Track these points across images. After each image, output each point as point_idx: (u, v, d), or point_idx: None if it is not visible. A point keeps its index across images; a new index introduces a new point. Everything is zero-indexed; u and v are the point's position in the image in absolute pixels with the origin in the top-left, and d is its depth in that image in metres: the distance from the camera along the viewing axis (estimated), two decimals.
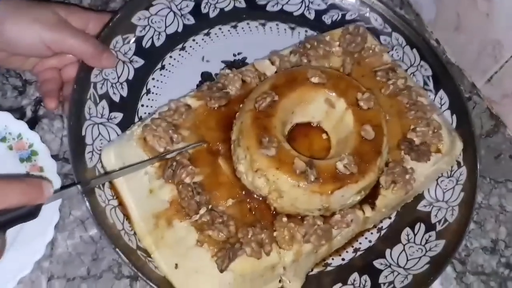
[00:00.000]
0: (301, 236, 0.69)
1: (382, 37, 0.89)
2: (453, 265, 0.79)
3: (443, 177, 0.81)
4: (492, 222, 0.83)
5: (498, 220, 0.84)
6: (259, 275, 0.68)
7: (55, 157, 0.76)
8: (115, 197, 0.72)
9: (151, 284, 0.66)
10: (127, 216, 0.71)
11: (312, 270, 0.74)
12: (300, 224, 0.69)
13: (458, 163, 0.81)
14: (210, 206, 0.68)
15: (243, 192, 0.71)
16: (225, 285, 0.66)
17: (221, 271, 0.65)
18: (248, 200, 0.70)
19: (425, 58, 0.88)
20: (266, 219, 0.70)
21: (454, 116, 0.84)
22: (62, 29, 0.73)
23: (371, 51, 0.83)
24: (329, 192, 0.68)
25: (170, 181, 0.69)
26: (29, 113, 0.79)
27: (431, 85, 0.87)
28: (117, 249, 0.67)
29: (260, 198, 0.70)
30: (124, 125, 0.77)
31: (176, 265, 0.67)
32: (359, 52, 0.83)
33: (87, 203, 0.68)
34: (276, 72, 0.79)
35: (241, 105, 0.75)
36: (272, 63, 0.80)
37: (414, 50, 0.88)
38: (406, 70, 0.87)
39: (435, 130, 0.78)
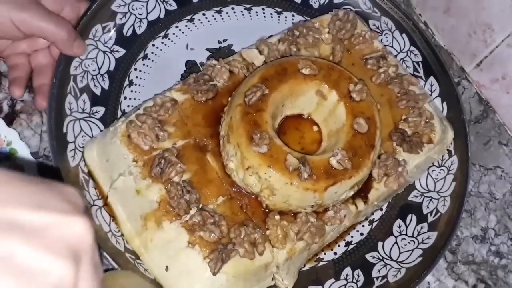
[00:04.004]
0: (294, 234, 0.67)
1: (371, 22, 0.87)
2: (444, 255, 0.79)
3: (433, 167, 0.80)
4: (482, 210, 0.83)
5: (488, 208, 0.83)
6: (252, 274, 0.66)
7: (34, 154, 0.72)
8: (100, 197, 0.69)
9: None
10: (113, 217, 0.68)
11: (304, 266, 0.73)
12: (293, 221, 0.68)
13: (449, 152, 0.80)
14: (200, 206, 0.66)
15: (234, 189, 0.69)
16: (218, 287, 0.64)
17: (214, 274, 0.63)
18: (239, 197, 0.68)
19: (415, 44, 0.86)
20: (257, 217, 0.68)
21: (445, 104, 0.83)
22: (32, 9, 0.68)
23: (361, 37, 0.80)
24: (323, 189, 0.66)
25: (157, 180, 0.67)
26: (5, 108, 0.75)
27: (421, 71, 0.85)
28: (105, 253, 0.64)
29: (252, 195, 0.68)
30: (107, 120, 0.74)
31: (167, 267, 0.65)
32: (349, 39, 0.80)
33: None
34: (264, 61, 0.76)
35: (229, 98, 0.72)
36: (260, 52, 0.77)
37: (404, 35, 0.86)
38: (395, 56, 0.84)
39: (427, 120, 0.76)
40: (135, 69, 0.79)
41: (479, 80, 0.91)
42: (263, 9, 0.86)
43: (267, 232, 0.67)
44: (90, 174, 0.70)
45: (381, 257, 0.74)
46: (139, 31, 0.80)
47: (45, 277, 0.32)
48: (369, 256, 0.75)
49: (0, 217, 0.33)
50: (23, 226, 0.33)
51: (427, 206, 0.78)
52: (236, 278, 0.65)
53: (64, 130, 0.70)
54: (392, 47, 0.86)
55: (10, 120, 0.74)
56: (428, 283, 0.77)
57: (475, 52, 0.89)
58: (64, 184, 0.38)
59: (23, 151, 0.70)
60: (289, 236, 0.67)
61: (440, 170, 0.80)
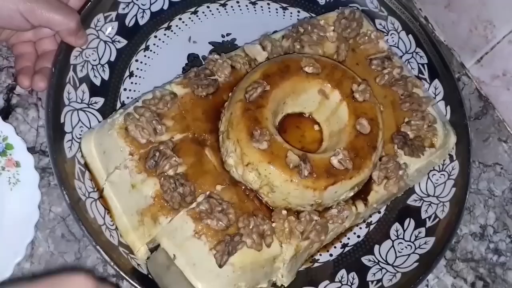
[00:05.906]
0: (299, 233, 0.66)
1: (377, 21, 0.85)
2: None
3: (434, 171, 0.79)
4: (481, 208, 0.82)
5: (486, 205, 0.83)
6: (260, 266, 0.65)
7: (31, 149, 0.70)
8: (95, 190, 0.68)
9: (134, 284, 0.63)
10: (108, 210, 0.67)
11: (300, 267, 0.72)
12: (297, 220, 0.67)
13: (451, 157, 0.79)
14: (208, 193, 0.65)
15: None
16: (224, 278, 0.63)
17: (220, 266, 0.62)
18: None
19: (421, 45, 0.84)
20: (261, 210, 0.67)
21: (448, 107, 0.82)
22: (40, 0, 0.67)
23: (366, 37, 0.79)
24: (323, 187, 0.65)
25: (152, 173, 0.65)
26: (1, 102, 0.74)
27: (426, 73, 0.84)
28: (97, 247, 0.63)
29: (252, 191, 0.67)
30: (106, 111, 0.73)
31: (174, 256, 0.63)
32: (354, 38, 0.79)
33: (66, 197, 0.64)
34: (267, 58, 0.75)
35: (230, 94, 0.71)
36: (263, 48, 0.76)
37: (410, 36, 0.85)
38: (401, 57, 0.83)
39: (430, 124, 0.75)
40: (136, 61, 0.78)
41: (479, 76, 0.90)
42: (268, 4, 0.85)
43: (273, 225, 0.66)
44: (86, 165, 0.69)
45: (377, 261, 0.73)
46: (141, 22, 0.79)
47: None
48: (365, 259, 0.74)
49: None
50: None
51: (426, 210, 0.77)
52: (243, 270, 0.63)
53: (62, 120, 0.69)
54: (397, 47, 0.85)
55: (5, 114, 0.73)
56: (427, 280, 0.76)
57: (476, 48, 0.88)
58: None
59: (20, 147, 0.69)
60: (294, 234, 0.66)
61: (441, 174, 0.79)
